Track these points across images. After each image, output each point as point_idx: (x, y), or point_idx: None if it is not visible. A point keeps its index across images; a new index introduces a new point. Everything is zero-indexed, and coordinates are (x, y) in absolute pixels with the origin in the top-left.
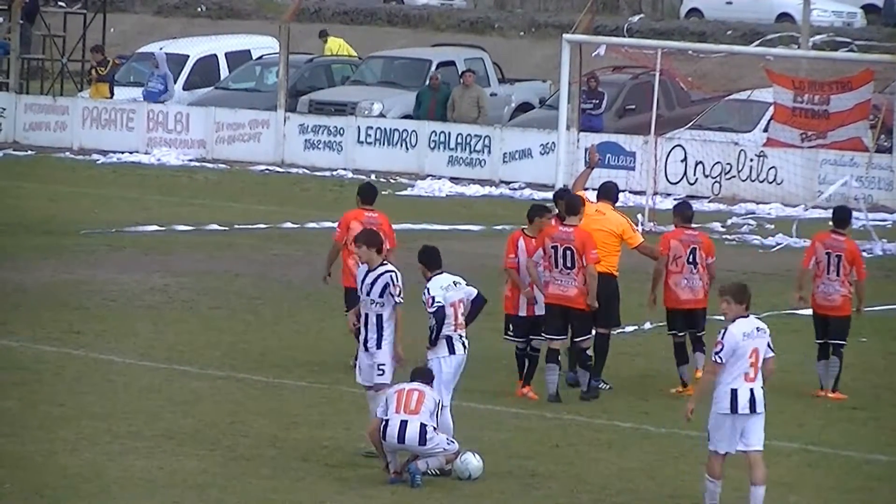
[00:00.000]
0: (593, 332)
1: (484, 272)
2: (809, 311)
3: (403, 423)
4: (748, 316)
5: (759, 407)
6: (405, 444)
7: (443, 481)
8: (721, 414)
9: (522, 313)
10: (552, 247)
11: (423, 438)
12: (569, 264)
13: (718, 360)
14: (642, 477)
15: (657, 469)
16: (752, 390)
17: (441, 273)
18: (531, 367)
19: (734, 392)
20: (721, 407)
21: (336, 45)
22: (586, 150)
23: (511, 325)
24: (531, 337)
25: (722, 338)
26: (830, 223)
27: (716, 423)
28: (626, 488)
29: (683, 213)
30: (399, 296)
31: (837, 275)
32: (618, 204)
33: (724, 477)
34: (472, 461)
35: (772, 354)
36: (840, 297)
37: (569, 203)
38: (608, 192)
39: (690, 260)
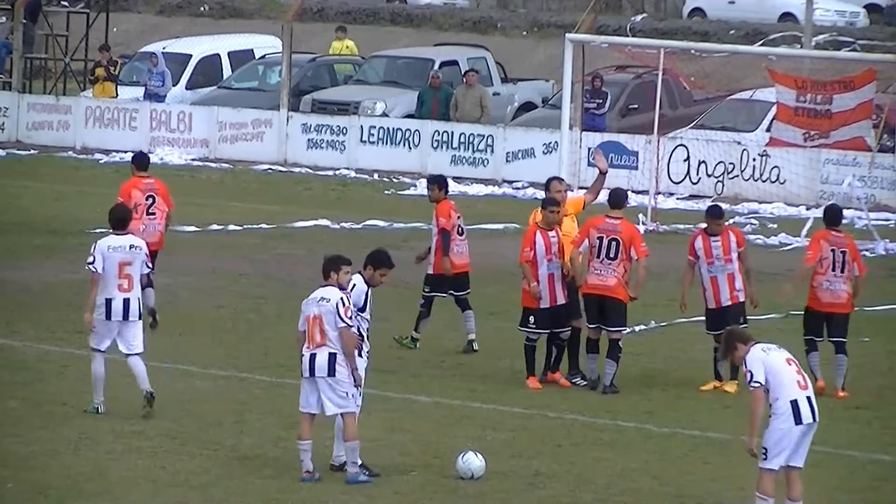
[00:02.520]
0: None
1: (487, 271)
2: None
3: (313, 357)
4: (756, 343)
5: (818, 415)
6: (315, 375)
7: (445, 481)
8: (785, 428)
9: (545, 305)
10: (598, 237)
11: (331, 368)
12: (612, 255)
13: (757, 385)
14: (645, 477)
15: (660, 469)
16: (809, 399)
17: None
18: (559, 355)
19: (794, 403)
20: (784, 421)
21: (340, 47)
22: (591, 153)
23: (533, 318)
24: (555, 330)
25: (746, 366)
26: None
27: (780, 437)
28: (628, 488)
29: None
30: (91, 264)
31: (843, 271)
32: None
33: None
34: (475, 461)
35: None
36: (846, 294)
37: (613, 195)
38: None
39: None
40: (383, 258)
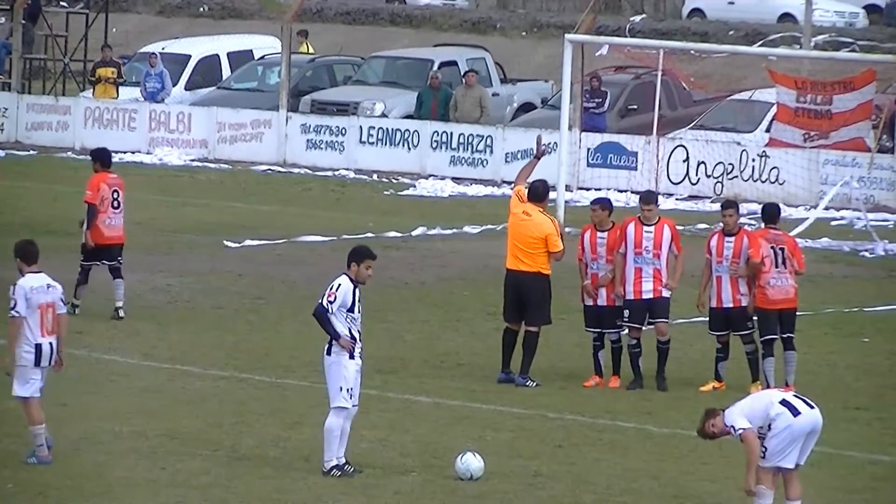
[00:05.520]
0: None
1: (486, 272)
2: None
3: (51, 345)
4: (723, 411)
5: (813, 404)
6: (51, 364)
7: (445, 482)
8: (783, 426)
9: (589, 303)
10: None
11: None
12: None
13: (742, 430)
14: (645, 477)
15: (660, 469)
16: (796, 395)
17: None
18: (615, 358)
19: (784, 402)
20: (783, 420)
21: (305, 49)
22: (538, 139)
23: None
24: (602, 330)
25: (727, 426)
26: (762, 221)
27: (780, 438)
28: (629, 488)
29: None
30: None
31: (786, 267)
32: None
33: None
34: (474, 462)
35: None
36: (793, 289)
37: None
38: (536, 193)
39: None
40: (363, 250)
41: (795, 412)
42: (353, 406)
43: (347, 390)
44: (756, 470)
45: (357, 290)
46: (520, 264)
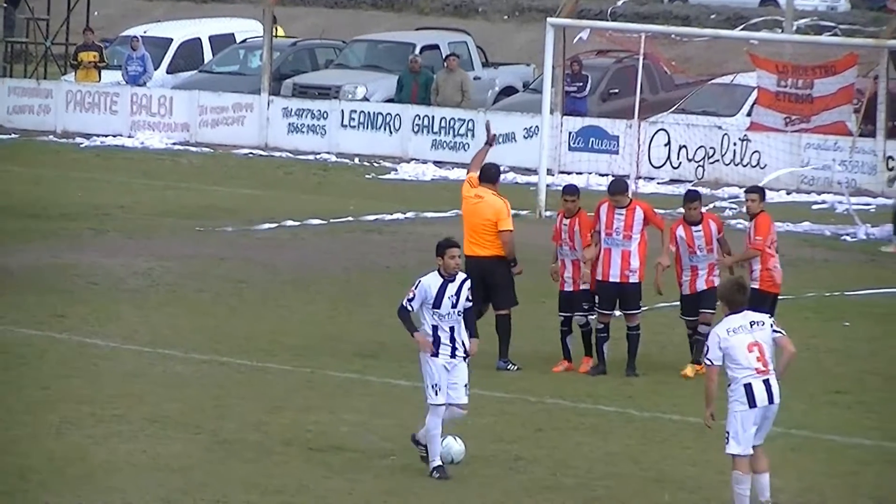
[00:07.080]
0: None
1: None
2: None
3: None
4: (740, 311)
5: (776, 398)
6: None
7: (426, 466)
8: (741, 412)
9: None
10: None
11: None
12: None
13: (707, 363)
14: (626, 461)
15: (641, 453)
16: (766, 381)
17: None
18: (584, 342)
19: (748, 387)
20: (739, 404)
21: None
22: (486, 126)
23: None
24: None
25: (707, 339)
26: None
27: (738, 422)
28: (610, 472)
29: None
30: None
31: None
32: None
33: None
34: (454, 445)
35: (781, 334)
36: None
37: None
38: (488, 175)
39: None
40: (442, 241)
41: (752, 403)
42: (451, 405)
43: (432, 387)
44: (733, 460)
45: (450, 285)
46: (478, 249)
